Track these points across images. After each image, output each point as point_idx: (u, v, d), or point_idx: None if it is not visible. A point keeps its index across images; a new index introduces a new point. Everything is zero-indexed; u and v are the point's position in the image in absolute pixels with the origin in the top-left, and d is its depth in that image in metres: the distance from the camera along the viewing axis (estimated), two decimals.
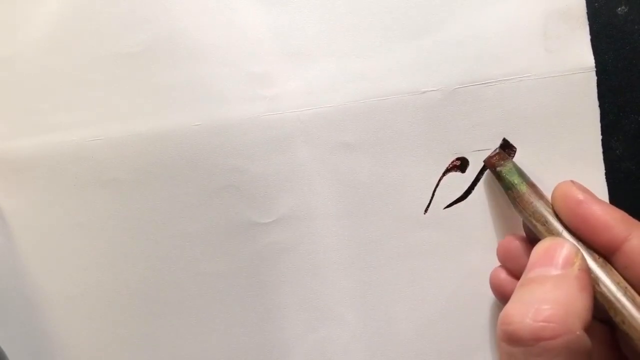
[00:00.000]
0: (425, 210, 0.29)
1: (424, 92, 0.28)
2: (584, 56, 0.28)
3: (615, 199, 0.29)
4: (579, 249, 0.22)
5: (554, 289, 0.20)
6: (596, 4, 0.28)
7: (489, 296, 0.29)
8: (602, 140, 0.28)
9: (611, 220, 0.22)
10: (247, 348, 0.30)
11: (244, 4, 0.29)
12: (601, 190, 0.29)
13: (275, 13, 0.29)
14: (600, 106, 0.28)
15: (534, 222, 0.24)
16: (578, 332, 0.18)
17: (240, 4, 0.29)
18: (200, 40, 0.29)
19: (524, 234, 0.27)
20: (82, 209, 0.29)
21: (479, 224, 0.29)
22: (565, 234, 0.23)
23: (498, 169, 0.27)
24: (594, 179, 0.29)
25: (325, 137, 0.29)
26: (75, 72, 0.29)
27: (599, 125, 0.28)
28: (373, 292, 0.29)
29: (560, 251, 0.21)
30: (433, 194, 0.29)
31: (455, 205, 0.29)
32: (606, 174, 0.29)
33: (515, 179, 0.26)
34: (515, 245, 0.26)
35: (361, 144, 0.29)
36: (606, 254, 0.22)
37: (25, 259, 0.30)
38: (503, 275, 0.26)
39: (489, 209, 0.29)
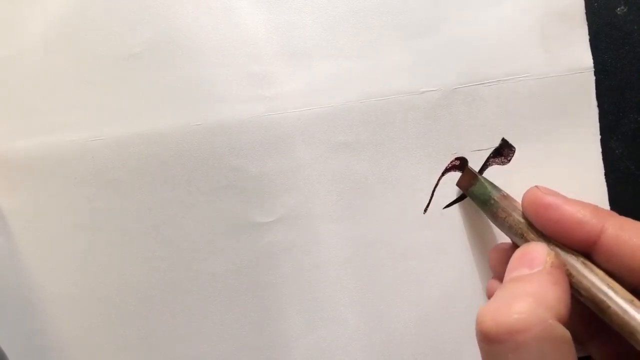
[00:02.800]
0: (425, 210, 0.29)
1: (423, 92, 0.28)
2: (582, 56, 0.28)
3: (615, 199, 0.29)
4: (552, 248, 0.22)
5: (525, 284, 0.20)
6: (596, 4, 0.28)
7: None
8: (602, 140, 0.29)
9: (582, 216, 0.21)
10: (247, 348, 0.30)
11: (244, 4, 0.29)
12: (601, 191, 0.29)
13: (275, 13, 0.29)
14: (599, 106, 0.28)
15: (511, 234, 0.24)
16: (550, 321, 0.18)
17: (240, 4, 0.29)
18: (200, 41, 0.29)
19: (511, 243, 0.27)
20: (82, 209, 0.29)
21: (478, 223, 0.29)
22: (542, 240, 0.23)
23: (470, 189, 0.27)
24: (593, 179, 0.29)
25: (325, 137, 0.29)
26: (75, 72, 0.29)
27: (597, 125, 0.28)
28: (372, 291, 0.29)
29: (532, 253, 0.21)
30: (432, 194, 0.29)
31: (454, 205, 0.29)
32: (606, 174, 0.29)
33: (487, 196, 0.26)
34: (503, 255, 0.26)
35: (361, 144, 0.29)
36: (586, 250, 0.22)
37: (25, 259, 0.30)
38: (497, 286, 0.26)
39: None
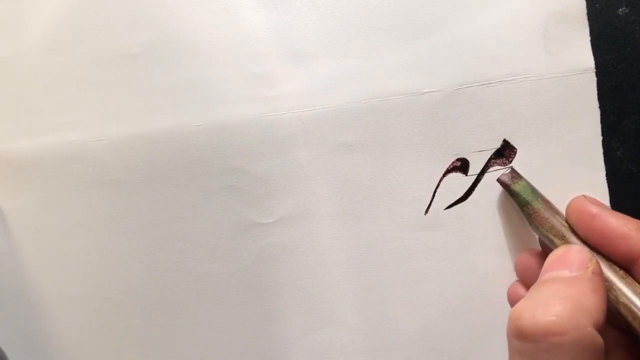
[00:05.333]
0: (426, 211, 0.29)
1: (425, 93, 0.28)
2: (584, 57, 0.28)
3: (616, 200, 0.29)
4: (593, 255, 0.22)
5: (565, 287, 0.20)
6: (597, 5, 0.28)
7: (490, 297, 0.29)
8: (603, 141, 0.28)
9: (628, 231, 0.22)
10: (247, 349, 0.30)
11: (244, 4, 0.29)
12: (602, 192, 0.29)
13: (276, 13, 0.29)
14: (601, 107, 0.28)
15: (551, 237, 0.24)
16: (588, 329, 0.18)
17: (241, 5, 0.29)
18: (200, 41, 0.29)
19: (540, 250, 0.27)
20: (83, 210, 0.29)
21: (479, 224, 0.29)
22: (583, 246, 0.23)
23: (512, 187, 0.27)
24: (594, 180, 0.29)
25: (326, 137, 0.29)
26: (75, 72, 0.29)
27: (599, 126, 0.28)
28: (373, 293, 0.29)
29: (574, 255, 0.21)
30: (433, 195, 0.29)
31: (455, 206, 0.29)
32: (607, 175, 0.29)
33: (530, 196, 0.26)
34: (533, 260, 0.26)
35: (362, 145, 0.29)
36: (626, 265, 0.22)
37: (25, 259, 0.30)
38: (521, 290, 0.26)
39: (489, 209, 0.29)
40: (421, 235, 0.29)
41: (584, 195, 0.24)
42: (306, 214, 0.29)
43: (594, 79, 0.28)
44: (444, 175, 0.29)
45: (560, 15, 0.28)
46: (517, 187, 0.27)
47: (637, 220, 0.22)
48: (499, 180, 0.28)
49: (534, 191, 0.26)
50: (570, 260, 0.21)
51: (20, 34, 0.29)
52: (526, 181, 0.27)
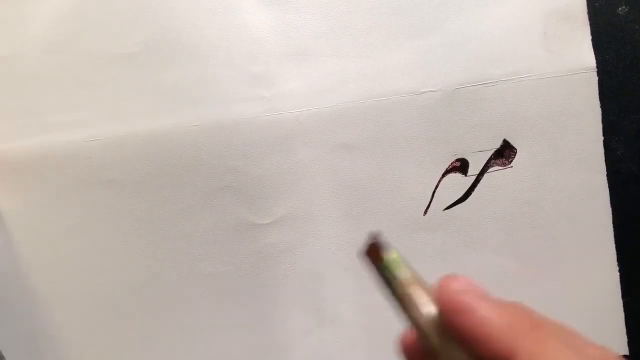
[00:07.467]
0: (425, 212, 0.29)
1: (424, 93, 0.28)
2: (586, 56, 0.28)
3: (617, 200, 0.29)
4: None
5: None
6: (597, 4, 0.28)
7: None
8: (603, 141, 0.28)
9: (493, 331, 0.17)
10: (247, 348, 0.29)
11: (244, 4, 0.29)
12: (602, 192, 0.29)
13: (275, 14, 0.28)
14: (601, 107, 0.28)
15: (415, 329, 0.19)
16: None
17: (240, 5, 0.29)
18: (199, 41, 0.28)
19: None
20: (81, 210, 0.29)
21: (479, 225, 0.29)
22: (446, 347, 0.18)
23: (379, 263, 0.19)
24: (595, 180, 0.28)
25: (325, 137, 0.28)
26: (74, 73, 0.29)
27: (600, 126, 0.28)
28: (372, 292, 0.29)
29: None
30: (433, 196, 0.29)
31: (455, 206, 0.29)
32: (607, 175, 0.28)
33: (401, 275, 0.19)
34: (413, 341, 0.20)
35: (360, 145, 0.29)
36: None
37: (23, 259, 0.29)
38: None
39: (489, 210, 0.29)
40: (420, 236, 0.29)
41: (452, 278, 0.18)
42: (305, 214, 0.29)
43: (596, 79, 0.28)
44: (444, 175, 0.29)
45: (561, 14, 0.28)
46: (386, 262, 0.19)
47: (511, 315, 0.17)
48: (363, 254, 0.19)
49: (407, 267, 0.20)
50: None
51: (20, 34, 0.29)
52: (397, 255, 0.19)
